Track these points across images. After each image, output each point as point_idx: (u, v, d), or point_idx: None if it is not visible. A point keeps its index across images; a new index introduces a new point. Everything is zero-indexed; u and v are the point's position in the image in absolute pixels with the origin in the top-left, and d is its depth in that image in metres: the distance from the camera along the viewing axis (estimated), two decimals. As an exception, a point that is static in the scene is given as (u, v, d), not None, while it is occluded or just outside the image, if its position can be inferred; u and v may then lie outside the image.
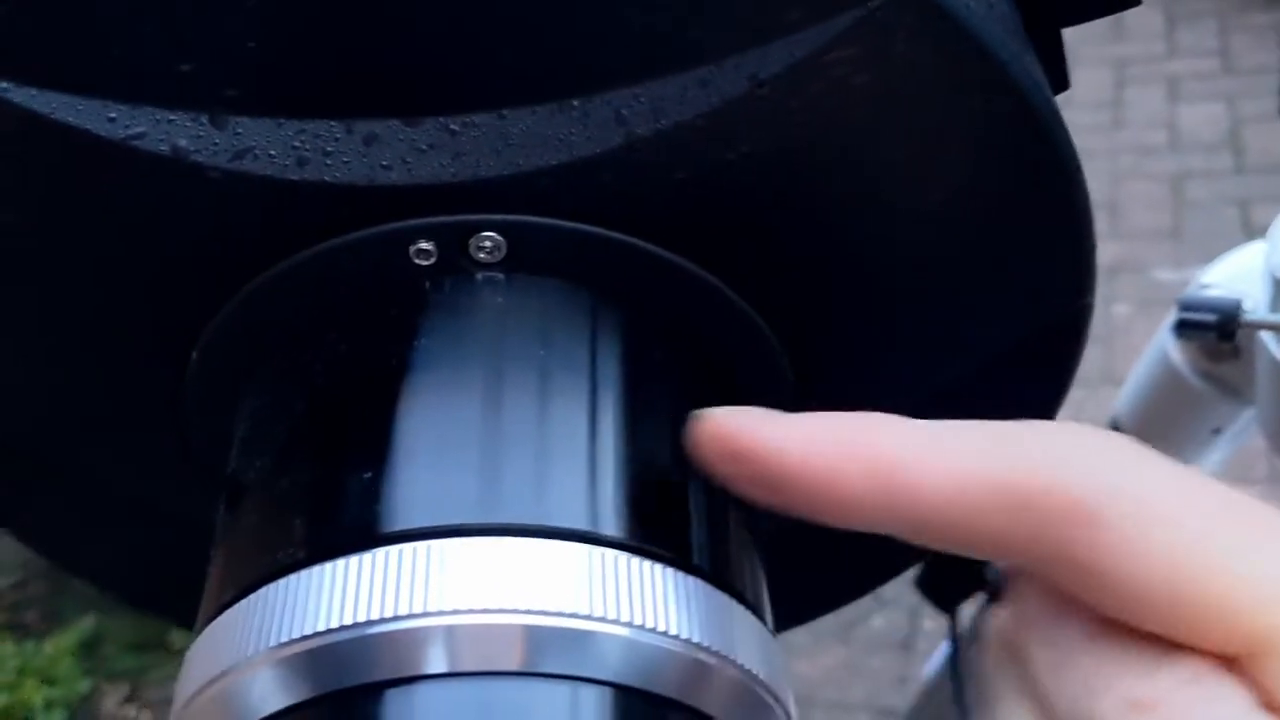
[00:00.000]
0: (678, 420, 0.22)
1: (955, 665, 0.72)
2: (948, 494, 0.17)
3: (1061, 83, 0.25)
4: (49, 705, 1.43)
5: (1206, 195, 2.02)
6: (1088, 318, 0.25)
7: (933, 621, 1.40)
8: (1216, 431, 0.51)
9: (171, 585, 0.28)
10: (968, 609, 0.74)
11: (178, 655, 1.49)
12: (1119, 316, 1.80)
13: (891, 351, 0.24)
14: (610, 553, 0.18)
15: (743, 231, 0.22)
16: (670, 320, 0.22)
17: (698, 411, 0.20)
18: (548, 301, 0.22)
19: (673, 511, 0.20)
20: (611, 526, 0.19)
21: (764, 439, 0.19)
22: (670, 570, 0.19)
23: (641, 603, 0.18)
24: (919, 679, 0.84)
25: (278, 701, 0.18)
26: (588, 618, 0.17)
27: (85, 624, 1.51)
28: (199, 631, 0.20)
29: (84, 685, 1.48)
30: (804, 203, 0.22)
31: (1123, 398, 0.55)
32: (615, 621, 0.17)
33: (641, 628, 0.18)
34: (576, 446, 0.20)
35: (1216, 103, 2.25)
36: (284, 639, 0.17)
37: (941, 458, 0.18)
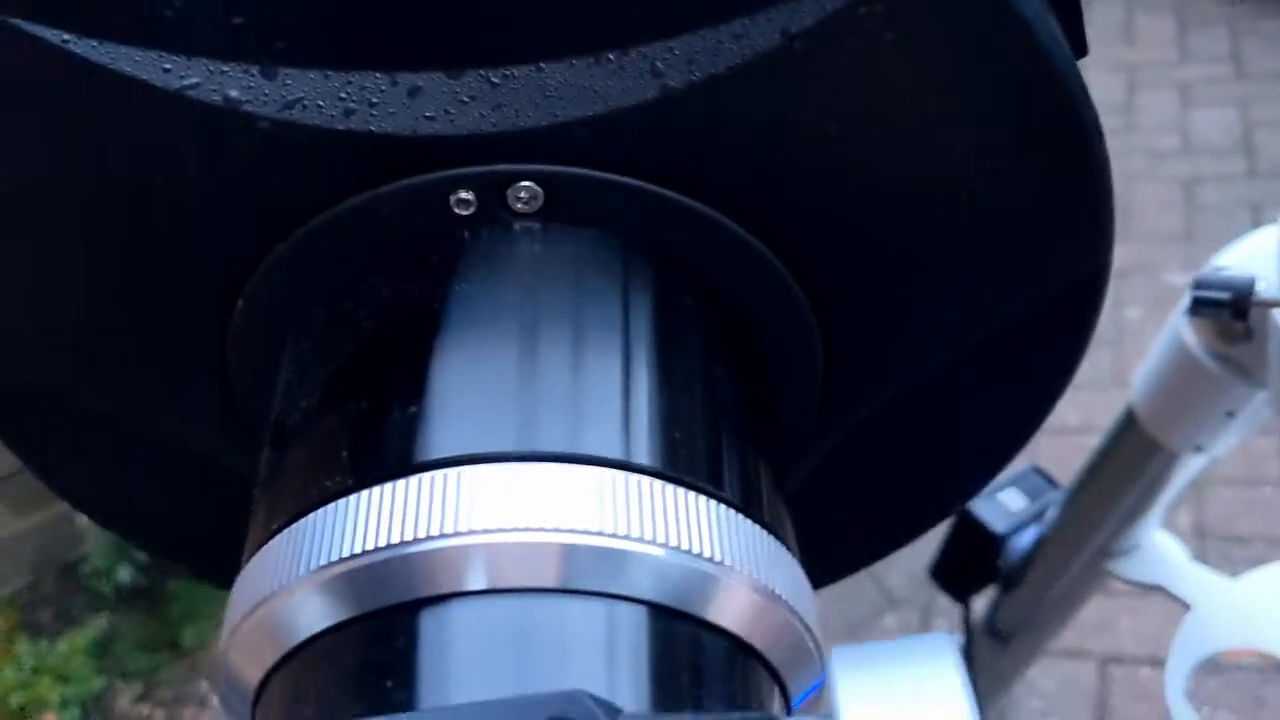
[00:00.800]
0: (707, 367, 0.23)
1: (968, 657, 0.73)
2: None
3: (1081, 48, 0.26)
4: (64, 703, 1.44)
5: (1218, 199, 2.02)
6: (1105, 279, 0.25)
7: (944, 620, 1.40)
8: (1230, 415, 0.51)
9: (200, 537, 0.29)
10: (980, 600, 0.75)
11: (190, 655, 1.50)
12: (1130, 319, 1.81)
13: (915, 310, 0.25)
14: (645, 479, 0.19)
15: (772, 185, 0.22)
16: (700, 271, 0.23)
17: None
18: (582, 250, 0.22)
19: (704, 448, 0.21)
20: (644, 456, 0.19)
21: None
22: (703, 498, 0.19)
23: (676, 525, 0.18)
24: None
25: (321, 621, 0.18)
26: (624, 537, 0.18)
27: (98, 623, 1.52)
28: (245, 563, 0.20)
29: (98, 684, 1.48)
30: (831, 159, 0.22)
31: (1136, 384, 0.55)
32: (651, 542, 0.18)
33: (676, 549, 0.18)
34: (610, 383, 0.20)
35: (1228, 107, 2.25)
36: (326, 561, 0.18)
37: None
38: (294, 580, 0.18)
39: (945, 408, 0.27)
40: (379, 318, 0.22)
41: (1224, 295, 0.41)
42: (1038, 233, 0.24)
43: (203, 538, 0.28)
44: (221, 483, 0.26)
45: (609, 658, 0.18)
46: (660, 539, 0.18)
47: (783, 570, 0.20)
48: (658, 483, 0.19)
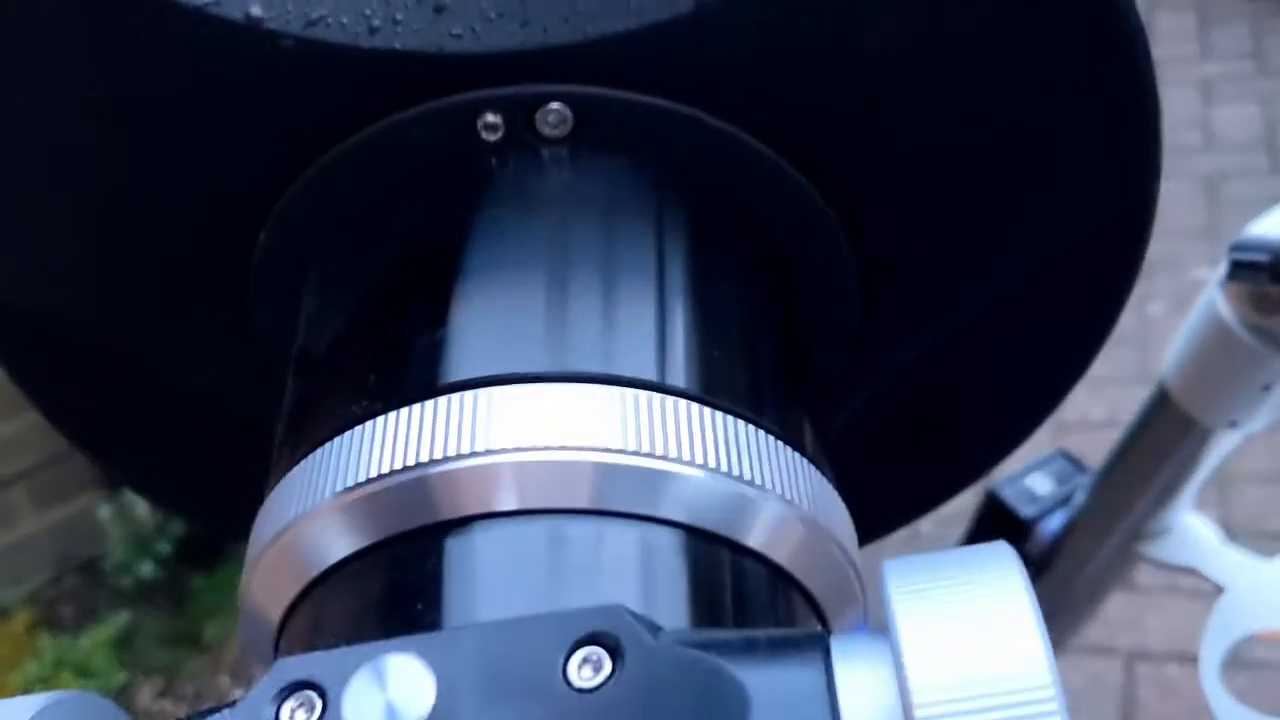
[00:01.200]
0: (742, 296, 0.22)
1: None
2: None
3: None
4: (84, 698, 1.44)
5: (1242, 194, 2.01)
6: (1152, 210, 0.24)
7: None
8: (1266, 388, 0.50)
9: (211, 487, 0.28)
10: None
11: (211, 651, 1.50)
12: (1155, 315, 1.79)
13: (953, 242, 0.24)
14: (681, 400, 0.18)
15: (808, 108, 0.22)
16: (732, 197, 0.22)
17: None
18: (612, 176, 0.22)
19: (742, 375, 0.20)
20: (680, 379, 0.19)
21: None
22: (741, 422, 0.18)
23: (713, 448, 0.18)
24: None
25: (347, 546, 0.18)
26: (660, 458, 0.17)
27: (120, 619, 1.52)
28: (267, 494, 0.20)
29: (119, 679, 1.48)
30: (870, 80, 0.22)
31: (1170, 359, 0.54)
32: (687, 463, 0.17)
33: (715, 470, 0.17)
34: (643, 308, 0.20)
35: (1250, 104, 2.23)
36: (351, 484, 0.17)
37: None
38: (317, 506, 0.18)
39: (985, 356, 0.27)
40: (406, 245, 0.22)
41: (1263, 258, 0.40)
42: (1081, 157, 0.23)
43: (213, 487, 0.28)
44: (233, 431, 0.26)
45: (644, 580, 0.17)
46: (698, 460, 0.17)
47: (824, 500, 0.19)
48: (694, 405, 0.18)
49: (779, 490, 0.18)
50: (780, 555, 0.18)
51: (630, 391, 0.18)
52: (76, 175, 0.23)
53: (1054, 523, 0.68)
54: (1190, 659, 0.56)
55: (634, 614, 0.15)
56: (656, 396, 0.18)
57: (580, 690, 0.14)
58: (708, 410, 0.18)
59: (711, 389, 0.19)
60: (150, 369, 0.26)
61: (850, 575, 0.19)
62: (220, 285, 0.24)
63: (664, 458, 0.17)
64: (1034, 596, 0.14)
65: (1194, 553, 0.60)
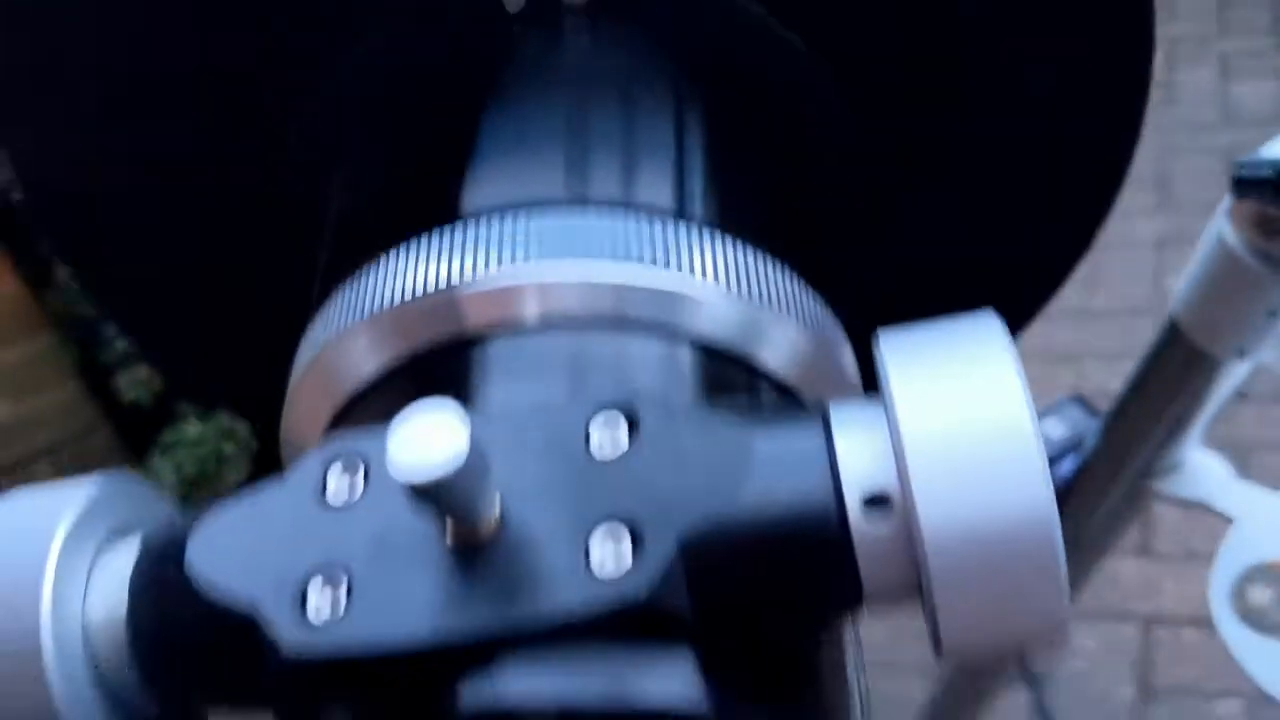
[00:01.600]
0: (753, 152, 0.23)
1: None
2: None
3: None
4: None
5: (1260, 168, 2.00)
6: (1150, 17, 0.25)
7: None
8: (1274, 314, 0.51)
9: (246, 379, 0.29)
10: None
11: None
12: (1170, 288, 1.79)
13: (961, 97, 0.25)
14: (696, 226, 0.19)
15: None
16: (741, 66, 0.23)
17: None
18: (630, 43, 0.23)
19: (753, 211, 0.21)
20: (696, 209, 0.20)
21: None
22: (752, 249, 0.20)
23: (727, 270, 0.19)
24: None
25: (381, 363, 0.19)
26: (676, 277, 0.18)
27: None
28: (303, 338, 0.21)
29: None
30: None
31: (1178, 293, 0.55)
32: (701, 282, 0.18)
33: (729, 290, 0.19)
34: (661, 151, 0.21)
35: (1269, 79, 2.23)
36: (383, 305, 0.19)
37: None
38: (346, 330, 0.19)
39: (1000, 214, 0.27)
40: (433, 109, 0.23)
41: (1268, 172, 0.41)
42: (1076, 37, 0.24)
43: (239, 369, 0.29)
44: (261, 316, 0.27)
45: (660, 383, 0.18)
46: (710, 280, 0.19)
47: (829, 327, 0.20)
48: (707, 230, 0.19)
49: (788, 311, 0.19)
50: (786, 370, 0.19)
51: (647, 216, 0.19)
52: (132, 65, 0.24)
53: (1066, 466, 0.69)
54: (1205, 623, 0.57)
55: (650, 394, 0.16)
56: (673, 221, 0.19)
57: (601, 457, 0.15)
58: (720, 236, 0.19)
59: (724, 220, 0.20)
60: (195, 254, 0.27)
61: (852, 395, 0.20)
62: (257, 168, 0.25)
63: (679, 277, 0.18)
64: (1016, 355, 0.15)
65: (1205, 487, 0.60)
